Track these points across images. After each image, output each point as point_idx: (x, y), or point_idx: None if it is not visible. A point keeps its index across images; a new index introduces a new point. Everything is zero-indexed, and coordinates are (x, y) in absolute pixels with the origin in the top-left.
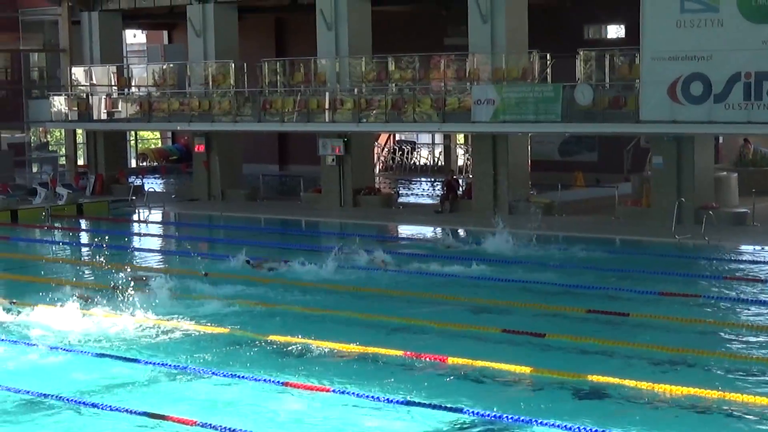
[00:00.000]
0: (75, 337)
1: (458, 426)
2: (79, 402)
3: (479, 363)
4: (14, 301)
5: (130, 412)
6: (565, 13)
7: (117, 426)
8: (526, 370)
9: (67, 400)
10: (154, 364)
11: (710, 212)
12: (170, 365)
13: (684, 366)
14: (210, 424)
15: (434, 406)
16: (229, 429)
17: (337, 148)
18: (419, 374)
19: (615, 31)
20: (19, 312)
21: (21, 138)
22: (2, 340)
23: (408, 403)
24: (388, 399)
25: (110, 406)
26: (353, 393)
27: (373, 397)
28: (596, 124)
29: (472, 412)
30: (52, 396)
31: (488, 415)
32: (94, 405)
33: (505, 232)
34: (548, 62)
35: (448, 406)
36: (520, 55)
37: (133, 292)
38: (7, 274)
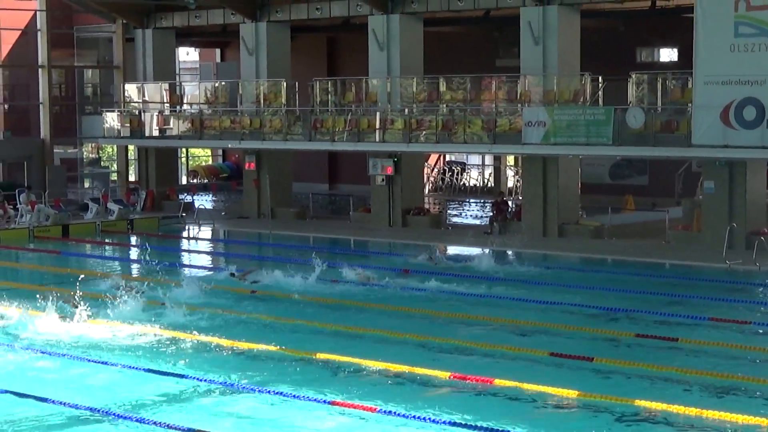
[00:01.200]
0: (123, 351)
1: None
2: (126, 417)
3: (526, 386)
4: (64, 315)
5: (176, 428)
6: (617, 36)
7: None
8: (574, 393)
9: (114, 414)
10: (201, 380)
11: (762, 238)
12: (217, 381)
13: (733, 393)
14: None
15: (480, 428)
16: None
17: (387, 168)
18: (465, 396)
19: (668, 55)
20: (70, 325)
21: (74, 153)
22: (53, 353)
23: (454, 425)
24: (433, 420)
25: (156, 422)
26: (399, 413)
27: (419, 417)
28: (648, 147)
29: None
30: (100, 410)
31: None
32: (140, 420)
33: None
34: (600, 85)
35: (495, 428)
36: (572, 77)
37: (179, 309)
38: (57, 288)
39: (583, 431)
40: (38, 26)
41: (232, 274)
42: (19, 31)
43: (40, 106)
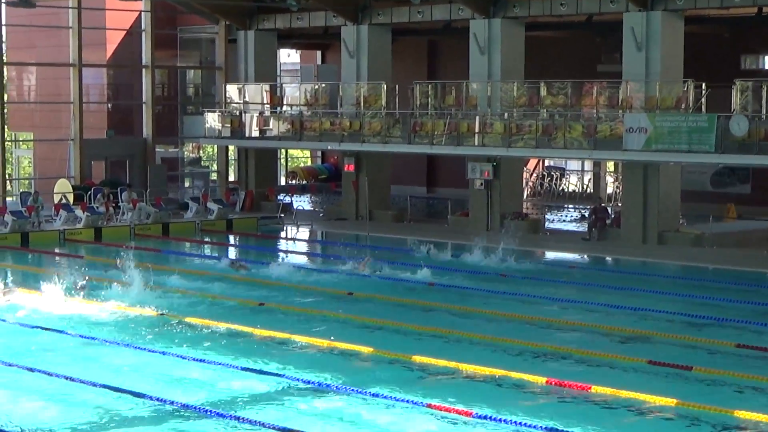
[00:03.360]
0: (219, 350)
1: None
2: (221, 414)
3: (624, 393)
4: (164, 312)
5: (269, 426)
6: (722, 43)
7: None
8: (672, 402)
9: (209, 411)
10: (294, 379)
11: None
12: (310, 381)
13: None
14: None
15: None
16: None
17: (486, 172)
18: (562, 402)
19: None
20: (168, 323)
21: (175, 153)
22: (150, 350)
23: (550, 430)
24: (529, 425)
25: (249, 419)
26: (495, 417)
27: (514, 422)
28: (751, 155)
29: None
30: (194, 407)
31: None
32: (235, 417)
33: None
34: (703, 92)
35: None
36: (675, 83)
37: (277, 309)
38: (157, 287)
39: None
40: (143, 27)
41: (232, 263)
42: (124, 32)
43: (143, 105)
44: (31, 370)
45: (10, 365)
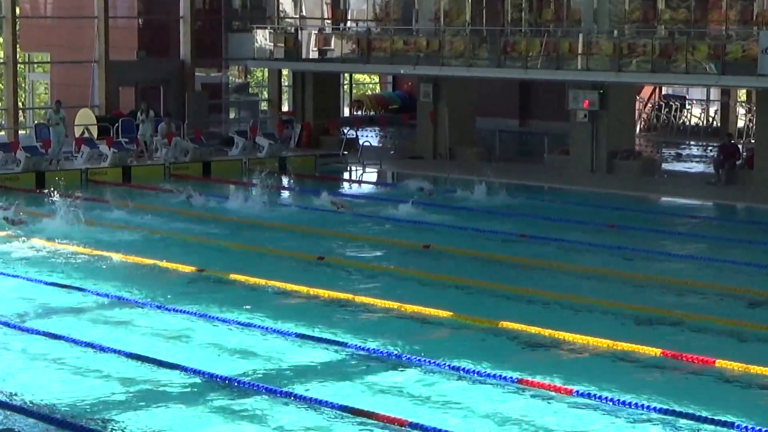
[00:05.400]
0: (269, 313)
1: None
2: (271, 389)
3: (756, 369)
4: (203, 269)
5: (328, 405)
6: None
7: (314, 421)
8: None
9: (258, 386)
10: (362, 349)
11: None
12: (376, 350)
13: None
14: (423, 426)
15: (699, 418)
16: None
17: (591, 102)
18: (678, 377)
19: None
20: (208, 281)
21: (217, 78)
22: (187, 313)
23: (665, 412)
24: (640, 405)
25: (303, 396)
26: (599, 396)
27: (623, 402)
28: None
29: (745, 427)
30: (238, 380)
31: None
32: (286, 393)
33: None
34: None
35: (714, 418)
36: None
37: (344, 267)
38: (196, 237)
39: None
40: None
41: (189, 197)
42: None
43: (180, 21)
44: (48, 335)
45: (23, 330)
